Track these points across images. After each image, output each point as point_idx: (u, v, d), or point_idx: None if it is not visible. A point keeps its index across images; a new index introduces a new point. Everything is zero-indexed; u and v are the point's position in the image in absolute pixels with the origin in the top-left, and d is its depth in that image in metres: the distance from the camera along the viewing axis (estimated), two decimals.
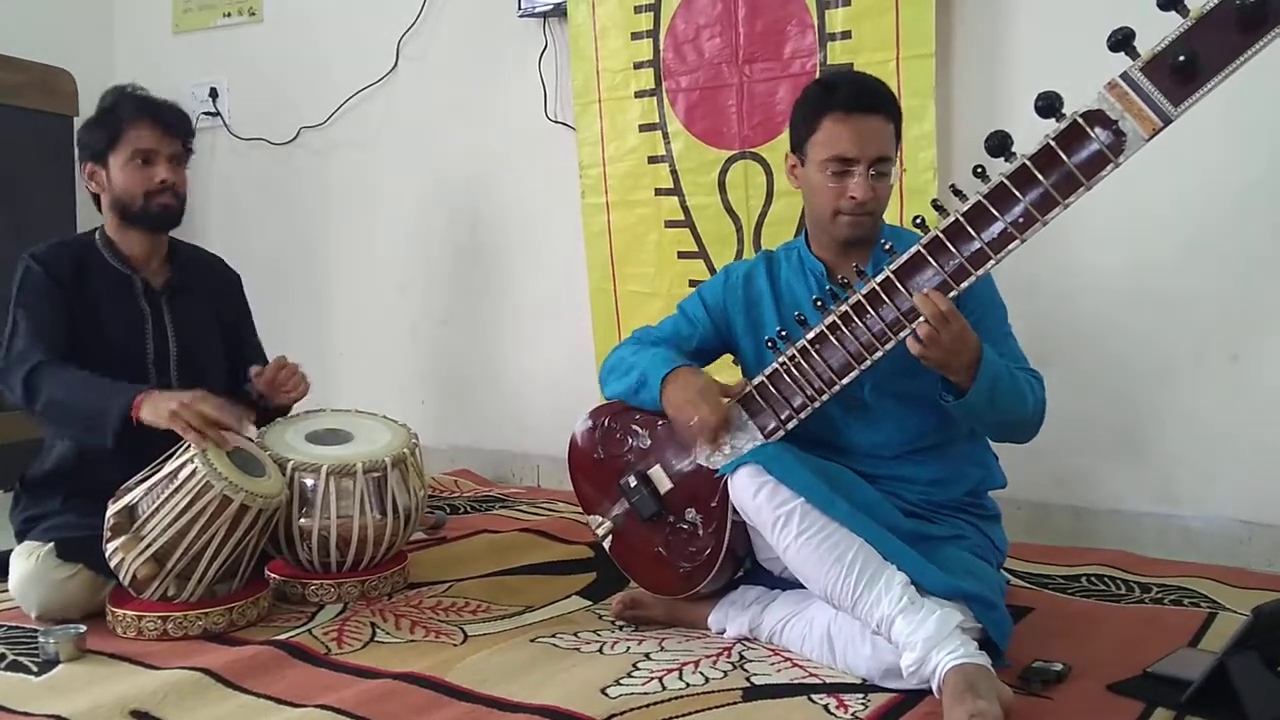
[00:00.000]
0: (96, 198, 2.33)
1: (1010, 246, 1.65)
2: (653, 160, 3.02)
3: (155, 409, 2.02)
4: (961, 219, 1.68)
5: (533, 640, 1.98)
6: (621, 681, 1.76)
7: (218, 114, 3.90)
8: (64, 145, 3.54)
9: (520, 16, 3.25)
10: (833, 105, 1.86)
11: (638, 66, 3.00)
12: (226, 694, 1.75)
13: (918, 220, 1.75)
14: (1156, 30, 1.54)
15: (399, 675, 1.80)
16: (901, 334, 1.74)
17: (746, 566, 2.02)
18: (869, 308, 1.76)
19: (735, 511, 1.87)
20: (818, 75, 2.71)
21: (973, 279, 1.68)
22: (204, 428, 2.01)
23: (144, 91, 2.33)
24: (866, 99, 1.87)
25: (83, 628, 1.96)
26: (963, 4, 2.68)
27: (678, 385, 1.92)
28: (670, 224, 3.01)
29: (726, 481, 1.86)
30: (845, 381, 1.80)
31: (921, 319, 1.68)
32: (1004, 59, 2.64)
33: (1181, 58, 1.50)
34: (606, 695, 1.71)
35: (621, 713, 1.64)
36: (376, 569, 2.28)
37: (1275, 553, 2.41)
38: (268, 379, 2.38)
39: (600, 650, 1.93)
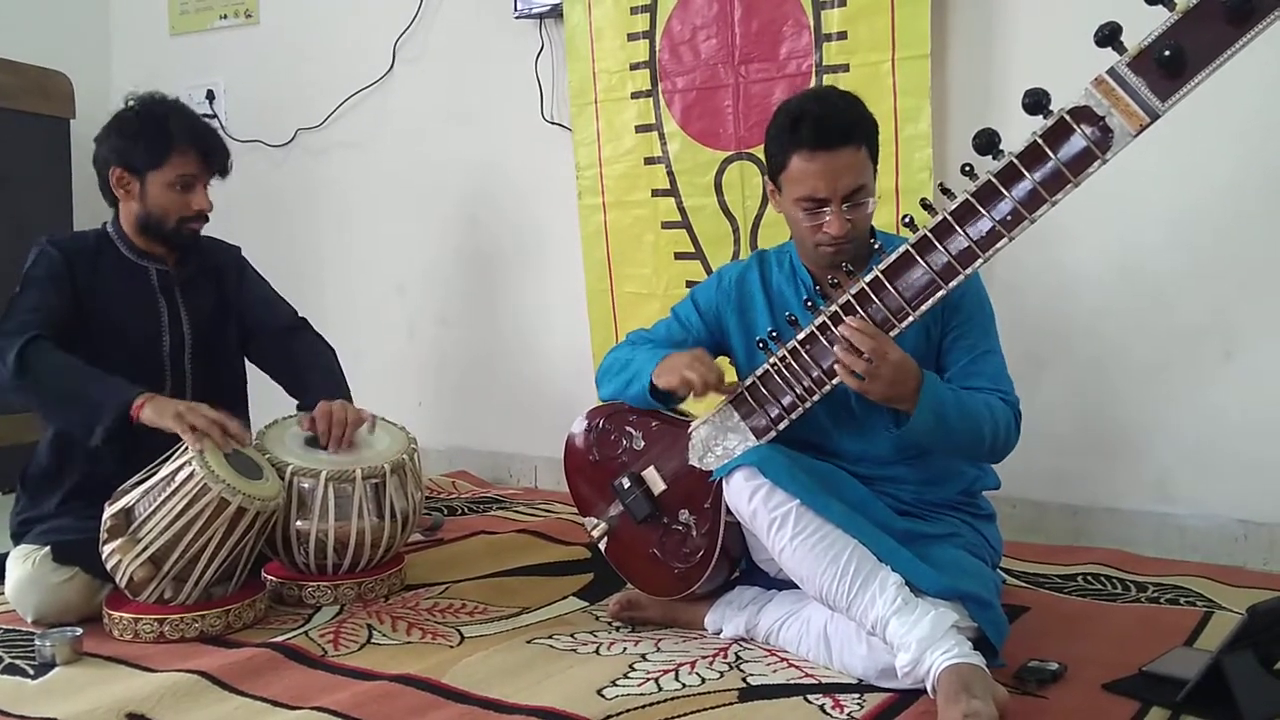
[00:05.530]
0: (109, 194, 2.29)
1: (999, 244, 1.65)
2: (649, 161, 3.02)
3: (159, 409, 2.02)
4: (949, 217, 1.68)
5: (529, 641, 1.98)
6: (618, 682, 1.77)
7: (214, 116, 3.90)
8: (60, 147, 3.55)
9: (516, 18, 3.25)
10: (799, 142, 1.79)
11: (634, 67, 3.00)
12: (223, 696, 1.75)
13: (907, 220, 1.74)
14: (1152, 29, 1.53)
15: (395, 677, 1.80)
16: (893, 335, 1.73)
17: (742, 567, 2.03)
18: (858, 308, 1.76)
19: (729, 512, 1.87)
20: (813, 76, 2.72)
21: (961, 277, 1.68)
22: (208, 429, 2.02)
23: (190, 111, 2.31)
24: (833, 133, 1.78)
25: (79, 630, 1.96)
26: (958, 4, 2.67)
27: (668, 360, 1.92)
28: (667, 225, 3.01)
29: (720, 483, 1.86)
30: (836, 381, 1.79)
31: (859, 356, 1.67)
32: (999, 59, 2.64)
33: (1168, 52, 1.49)
34: (603, 696, 1.71)
35: (618, 714, 1.64)
36: (373, 571, 2.28)
37: (1271, 551, 2.41)
38: (321, 430, 2.29)
39: (597, 651, 1.93)
